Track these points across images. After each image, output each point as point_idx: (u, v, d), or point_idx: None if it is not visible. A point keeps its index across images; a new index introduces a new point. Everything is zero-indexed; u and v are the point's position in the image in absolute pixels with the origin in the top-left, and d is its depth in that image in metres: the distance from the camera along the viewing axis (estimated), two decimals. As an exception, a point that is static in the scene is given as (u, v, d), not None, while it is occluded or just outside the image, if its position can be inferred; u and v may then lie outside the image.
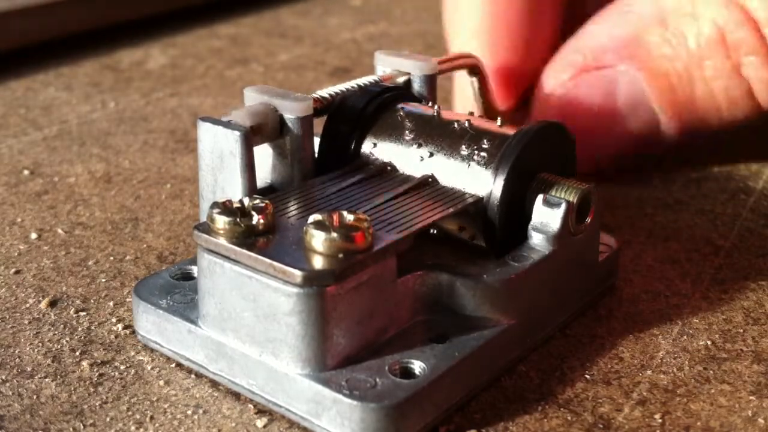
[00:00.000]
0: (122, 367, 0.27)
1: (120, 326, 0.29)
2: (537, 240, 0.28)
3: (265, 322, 0.25)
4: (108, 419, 0.25)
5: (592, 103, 0.38)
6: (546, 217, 0.28)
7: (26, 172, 0.41)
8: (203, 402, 0.26)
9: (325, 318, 0.24)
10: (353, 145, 0.30)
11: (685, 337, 0.29)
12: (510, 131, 0.29)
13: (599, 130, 0.38)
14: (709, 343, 0.28)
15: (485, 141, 0.29)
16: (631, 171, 0.40)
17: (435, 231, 0.29)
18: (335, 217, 0.25)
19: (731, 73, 0.36)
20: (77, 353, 0.28)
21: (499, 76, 0.40)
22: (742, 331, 0.29)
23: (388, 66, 0.33)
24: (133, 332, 0.29)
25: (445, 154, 0.29)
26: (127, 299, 0.31)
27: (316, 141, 0.30)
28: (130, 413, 0.25)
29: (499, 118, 0.30)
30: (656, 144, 0.38)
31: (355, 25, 0.67)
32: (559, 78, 0.39)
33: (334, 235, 0.24)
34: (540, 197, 0.28)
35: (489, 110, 0.36)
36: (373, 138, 0.30)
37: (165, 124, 0.47)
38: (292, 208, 0.27)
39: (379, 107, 0.31)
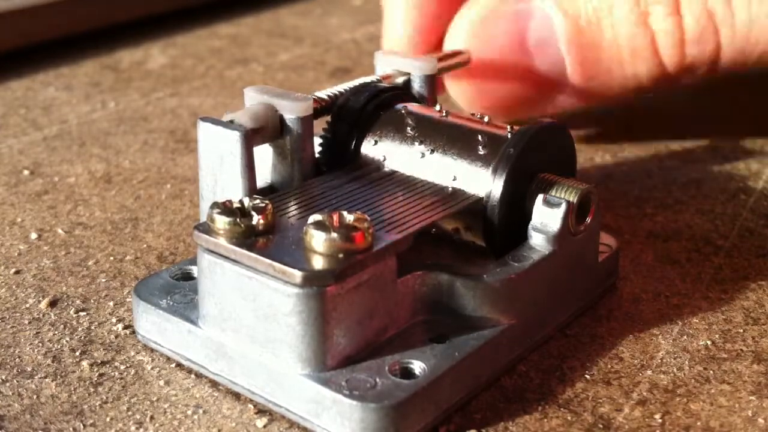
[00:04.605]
0: (122, 367, 0.27)
1: (120, 326, 0.29)
2: (537, 240, 0.28)
3: (265, 322, 0.25)
4: (108, 419, 0.25)
5: (502, 37, 0.37)
6: (546, 217, 0.28)
7: (26, 172, 0.41)
8: (203, 402, 0.26)
9: (325, 318, 0.24)
10: (353, 145, 0.30)
11: (685, 337, 0.29)
12: (510, 131, 0.29)
13: (505, 69, 0.37)
14: (709, 343, 0.28)
15: (485, 141, 0.29)
16: (525, 120, 0.39)
17: (435, 231, 0.29)
18: (335, 217, 0.25)
19: (638, 21, 0.35)
20: (77, 353, 0.28)
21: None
22: (742, 331, 0.29)
23: (388, 66, 0.33)
24: (133, 332, 0.29)
25: (444, 154, 0.29)
26: (127, 299, 0.31)
27: (317, 141, 0.30)
28: (130, 413, 0.25)
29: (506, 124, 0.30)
30: (561, 93, 0.38)
31: (355, 25, 0.67)
32: (475, 7, 0.38)
33: (334, 235, 0.24)
34: (540, 197, 0.28)
35: None
36: (373, 137, 0.30)
37: (165, 124, 0.47)
38: (292, 208, 0.27)
39: (378, 107, 0.31)
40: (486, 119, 0.30)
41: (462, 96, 0.39)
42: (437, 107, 0.31)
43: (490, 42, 0.37)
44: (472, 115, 0.31)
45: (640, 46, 0.36)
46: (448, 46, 0.38)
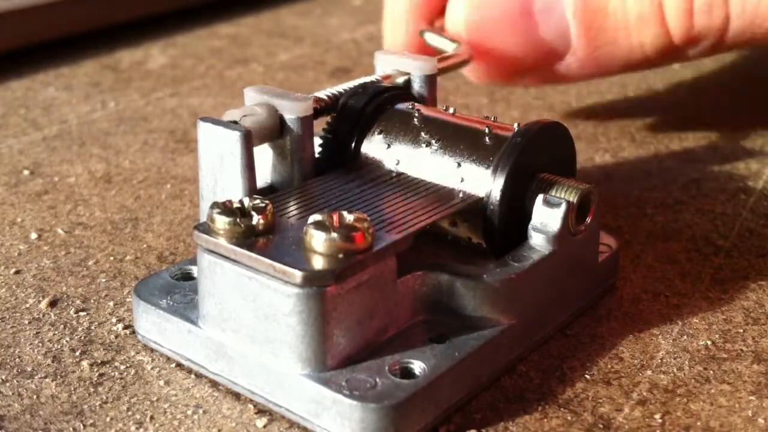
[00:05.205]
0: (122, 367, 0.27)
1: (120, 326, 0.29)
2: (537, 240, 0.28)
3: (265, 322, 0.25)
4: (108, 419, 0.25)
5: (506, 2, 0.37)
6: (546, 217, 0.28)
7: (26, 172, 0.41)
8: (203, 402, 0.26)
9: (325, 318, 0.24)
10: (353, 145, 0.30)
11: (685, 337, 0.29)
12: (510, 131, 0.29)
13: (508, 34, 0.37)
14: (709, 343, 0.28)
15: (485, 140, 0.29)
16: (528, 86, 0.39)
17: (435, 231, 0.29)
18: (335, 217, 0.25)
19: None
20: (77, 353, 0.28)
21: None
22: (742, 331, 0.29)
23: (388, 66, 0.33)
24: (133, 332, 0.29)
25: (449, 142, 0.29)
26: (127, 299, 0.31)
27: (317, 141, 0.30)
28: (130, 413, 0.25)
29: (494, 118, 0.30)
30: (565, 62, 0.37)
31: (355, 25, 0.67)
32: None
33: (334, 235, 0.24)
34: (540, 197, 0.28)
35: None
36: (378, 127, 0.30)
37: (165, 124, 0.47)
38: (292, 208, 0.27)
39: (379, 107, 0.31)
40: (493, 118, 0.30)
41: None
42: (443, 107, 0.31)
43: (493, 7, 0.37)
44: (479, 116, 0.31)
45: (647, 14, 0.35)
46: (450, 13, 0.38)
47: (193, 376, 0.27)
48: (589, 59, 0.37)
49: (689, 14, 0.35)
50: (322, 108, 0.31)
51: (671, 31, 0.36)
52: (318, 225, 0.24)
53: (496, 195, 0.27)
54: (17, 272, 0.32)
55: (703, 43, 0.36)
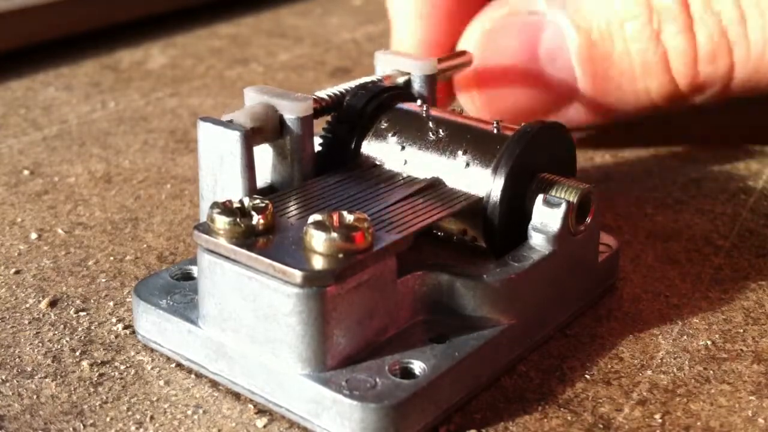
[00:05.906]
0: (122, 367, 0.27)
1: (120, 326, 0.29)
2: (537, 240, 0.28)
3: (265, 322, 0.25)
4: (108, 419, 0.25)
5: (513, 47, 0.37)
6: (546, 217, 0.28)
7: (26, 172, 0.41)
8: (203, 402, 0.26)
9: (325, 318, 0.24)
10: (353, 145, 0.30)
11: (685, 337, 0.29)
12: (510, 131, 0.29)
13: (515, 78, 0.37)
14: (709, 343, 0.28)
15: (485, 141, 0.29)
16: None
17: (435, 231, 0.29)
18: (335, 217, 0.25)
19: (650, 37, 0.35)
20: (77, 353, 0.28)
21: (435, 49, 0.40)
22: (742, 331, 0.29)
23: (388, 66, 0.33)
24: (133, 332, 0.29)
25: (444, 154, 0.29)
26: (127, 299, 0.31)
27: (317, 141, 0.30)
28: (130, 413, 0.25)
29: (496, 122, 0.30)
30: (572, 106, 0.38)
31: (355, 25, 0.67)
32: (486, 17, 0.38)
33: (334, 235, 0.24)
34: (540, 197, 0.28)
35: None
36: (377, 128, 0.30)
37: (165, 124, 0.47)
38: (292, 208, 0.27)
39: (379, 107, 0.31)
40: (486, 119, 0.30)
41: (471, 104, 0.39)
42: (451, 107, 0.31)
43: (501, 52, 0.37)
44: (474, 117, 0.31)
45: (652, 62, 0.36)
46: (462, 47, 0.38)
47: (193, 376, 0.27)
48: (596, 104, 0.37)
49: (694, 62, 0.35)
50: (322, 108, 0.31)
51: (676, 78, 0.36)
52: (318, 225, 0.24)
53: (496, 195, 0.27)
54: (17, 272, 0.32)
55: (710, 91, 0.36)
